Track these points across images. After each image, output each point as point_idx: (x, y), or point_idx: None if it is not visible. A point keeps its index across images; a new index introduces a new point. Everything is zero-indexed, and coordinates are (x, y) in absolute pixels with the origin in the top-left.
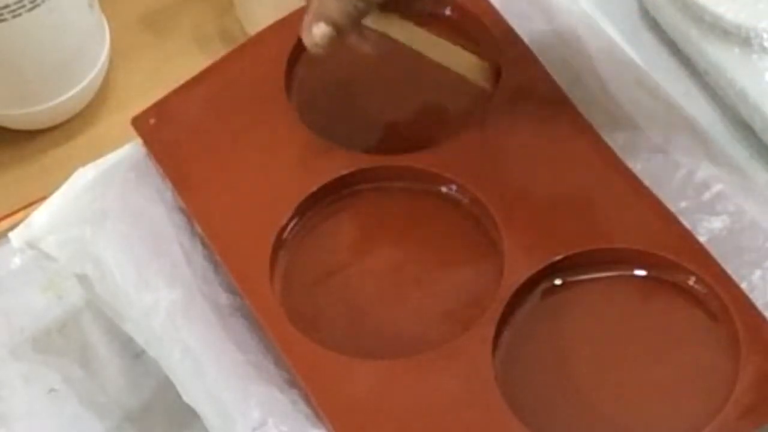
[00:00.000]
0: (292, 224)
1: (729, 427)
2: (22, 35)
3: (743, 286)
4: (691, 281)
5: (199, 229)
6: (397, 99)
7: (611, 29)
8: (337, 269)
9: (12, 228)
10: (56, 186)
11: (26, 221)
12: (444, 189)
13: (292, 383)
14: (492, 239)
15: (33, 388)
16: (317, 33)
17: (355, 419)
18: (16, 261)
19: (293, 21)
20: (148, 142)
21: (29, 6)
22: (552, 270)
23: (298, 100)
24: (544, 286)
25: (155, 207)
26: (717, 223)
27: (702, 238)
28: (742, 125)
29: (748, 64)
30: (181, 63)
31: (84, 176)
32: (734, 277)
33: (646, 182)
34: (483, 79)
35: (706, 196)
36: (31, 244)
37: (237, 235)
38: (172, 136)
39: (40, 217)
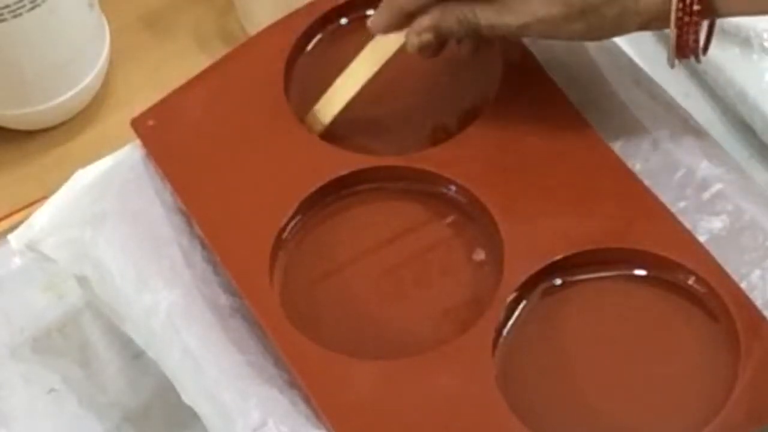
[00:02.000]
0: (292, 224)
1: (729, 427)
2: (22, 35)
3: (743, 285)
4: (691, 281)
5: (198, 230)
6: (396, 100)
7: None
8: (337, 269)
9: (12, 228)
10: (56, 186)
11: (26, 223)
12: (444, 189)
13: (292, 384)
14: (492, 239)
15: (33, 388)
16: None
17: (355, 419)
18: (16, 261)
19: (293, 21)
20: (147, 144)
21: (29, 6)
22: (552, 270)
23: (298, 100)
24: (544, 286)
25: (154, 208)
26: (717, 223)
27: (702, 238)
28: (742, 125)
29: (748, 64)
30: (181, 63)
31: (83, 178)
32: (734, 276)
33: (646, 182)
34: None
35: (706, 196)
36: (31, 246)
37: (237, 236)
38: (171, 137)
39: (40, 218)
